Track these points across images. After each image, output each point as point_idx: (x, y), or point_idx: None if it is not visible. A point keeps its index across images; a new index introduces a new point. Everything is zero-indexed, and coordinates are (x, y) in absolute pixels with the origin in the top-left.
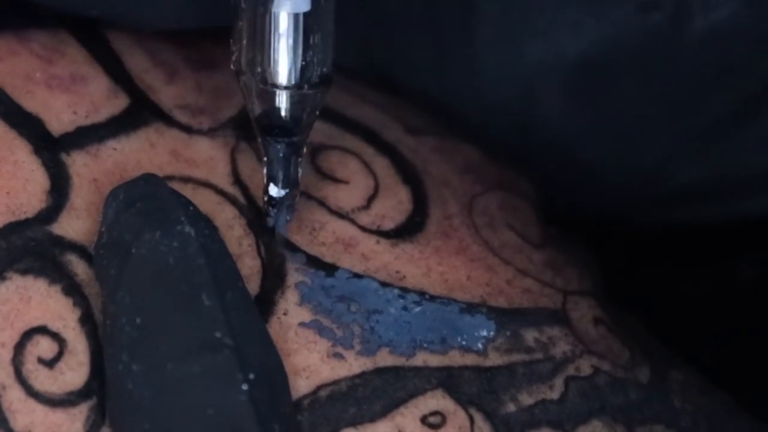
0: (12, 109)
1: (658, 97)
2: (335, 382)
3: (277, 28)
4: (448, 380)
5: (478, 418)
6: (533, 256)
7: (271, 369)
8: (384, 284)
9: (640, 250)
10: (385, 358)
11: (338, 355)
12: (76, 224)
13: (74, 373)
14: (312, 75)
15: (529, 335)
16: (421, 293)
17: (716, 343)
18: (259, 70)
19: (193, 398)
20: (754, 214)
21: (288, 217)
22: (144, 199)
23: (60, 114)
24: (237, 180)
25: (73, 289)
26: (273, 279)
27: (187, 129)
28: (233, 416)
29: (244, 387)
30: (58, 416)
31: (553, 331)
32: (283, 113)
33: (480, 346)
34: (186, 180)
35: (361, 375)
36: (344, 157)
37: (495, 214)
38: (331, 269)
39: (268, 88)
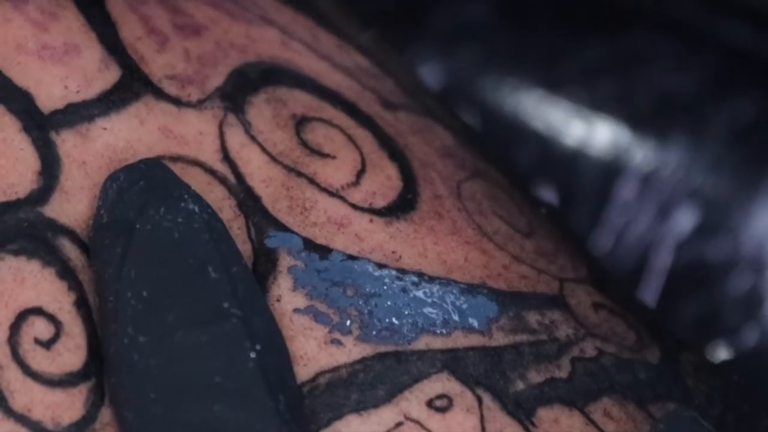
0: (1, 84)
1: None
2: (335, 369)
3: None
4: (452, 362)
5: (487, 397)
6: (524, 244)
7: (276, 344)
8: (380, 266)
9: None
10: (386, 343)
11: (336, 342)
12: (66, 207)
13: (72, 354)
14: None
15: (532, 317)
16: (420, 274)
17: None
18: None
19: (201, 366)
20: None
21: None
22: (146, 179)
23: (51, 88)
24: (226, 156)
25: (67, 273)
26: (265, 263)
27: (176, 102)
28: (242, 383)
29: (252, 355)
30: (58, 396)
31: (554, 315)
32: None
33: (484, 326)
34: (175, 159)
35: (362, 361)
36: (328, 129)
37: (482, 201)
38: (324, 251)
39: None
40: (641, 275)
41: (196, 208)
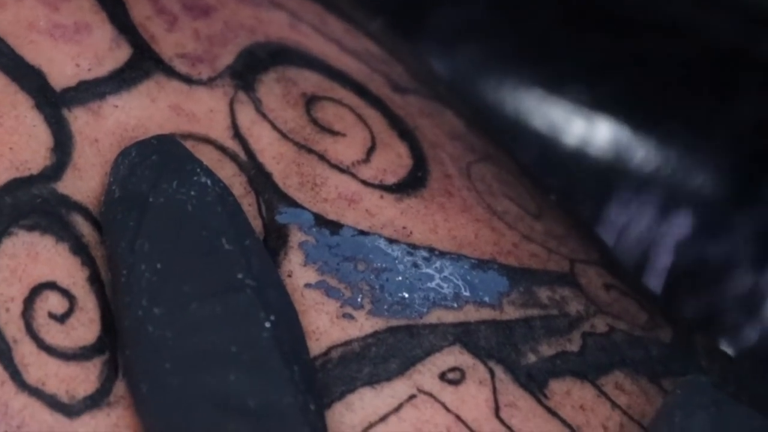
0: (14, 62)
1: None
2: (346, 343)
3: None
4: (464, 335)
5: (499, 370)
6: (534, 225)
7: (289, 316)
8: (391, 241)
9: None
10: (398, 317)
11: (348, 316)
12: (79, 184)
13: (86, 329)
14: None
15: (542, 293)
16: (430, 249)
17: None
18: None
19: (216, 336)
20: None
21: None
22: (158, 154)
23: (62, 66)
24: (236, 134)
25: (80, 249)
26: (276, 239)
27: (187, 80)
28: (257, 352)
29: (267, 325)
30: (72, 369)
31: (564, 292)
32: None
33: (495, 300)
34: (186, 136)
35: (374, 335)
36: (338, 108)
37: (492, 183)
38: (335, 227)
39: None
40: (642, 274)
41: (209, 182)
